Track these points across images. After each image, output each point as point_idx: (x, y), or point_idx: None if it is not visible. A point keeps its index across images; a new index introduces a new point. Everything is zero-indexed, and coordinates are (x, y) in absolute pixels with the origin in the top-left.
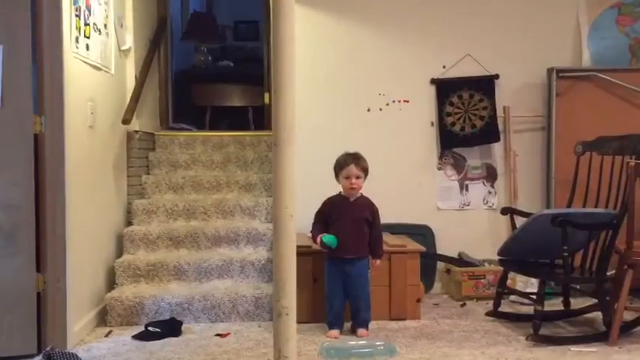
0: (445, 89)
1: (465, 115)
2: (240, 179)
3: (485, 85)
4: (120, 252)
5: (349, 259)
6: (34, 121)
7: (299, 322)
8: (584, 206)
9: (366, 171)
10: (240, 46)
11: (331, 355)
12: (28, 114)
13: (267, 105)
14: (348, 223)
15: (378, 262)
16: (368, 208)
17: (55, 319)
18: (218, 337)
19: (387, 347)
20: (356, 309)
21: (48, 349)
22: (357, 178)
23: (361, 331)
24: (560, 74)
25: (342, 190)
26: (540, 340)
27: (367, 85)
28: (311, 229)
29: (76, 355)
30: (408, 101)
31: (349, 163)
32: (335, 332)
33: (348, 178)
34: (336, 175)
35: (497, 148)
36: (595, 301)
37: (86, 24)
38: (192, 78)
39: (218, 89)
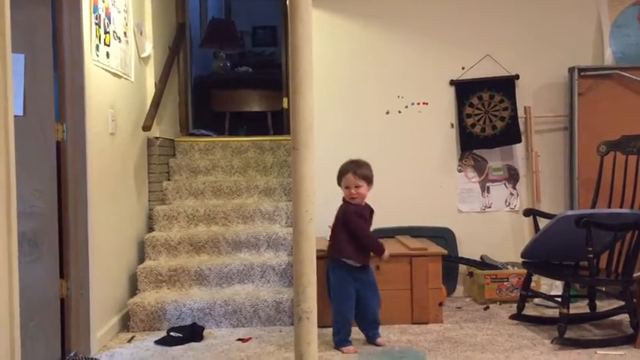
0: (465, 90)
1: (486, 116)
2: (260, 184)
3: (505, 85)
4: (142, 258)
5: (359, 267)
6: (55, 129)
7: (319, 326)
8: (609, 207)
9: (367, 178)
10: (259, 52)
11: None
12: (49, 122)
13: (285, 110)
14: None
15: (386, 255)
16: (370, 215)
17: (79, 325)
18: (240, 341)
19: (417, 353)
20: (373, 317)
21: (72, 354)
22: (357, 187)
23: (381, 339)
24: (582, 73)
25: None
26: (566, 343)
27: (386, 87)
28: (366, 232)
29: None
30: (427, 103)
31: (347, 172)
32: (353, 347)
33: (347, 187)
34: (339, 184)
35: (519, 149)
36: (621, 303)
37: (106, 32)
38: (212, 84)
39: (237, 95)
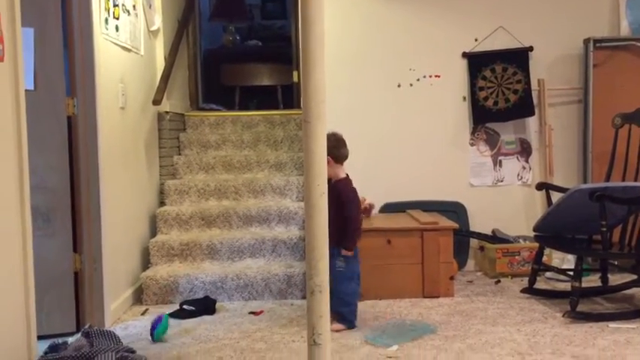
0: (477, 63)
1: (499, 89)
2: (271, 158)
3: (519, 57)
4: (154, 232)
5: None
6: (66, 104)
7: None
8: (623, 180)
9: (333, 154)
10: (268, 25)
11: (377, 341)
12: (60, 97)
13: (296, 83)
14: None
15: (344, 252)
16: (341, 192)
17: (93, 298)
18: (252, 314)
19: (428, 326)
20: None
21: (86, 327)
22: None
23: (333, 324)
24: (598, 44)
25: None
26: (578, 316)
27: (397, 60)
28: (356, 212)
29: (114, 333)
30: (439, 76)
31: None
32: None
33: None
34: None
35: (532, 122)
36: (634, 277)
37: (115, 5)
38: (221, 58)
39: (247, 69)
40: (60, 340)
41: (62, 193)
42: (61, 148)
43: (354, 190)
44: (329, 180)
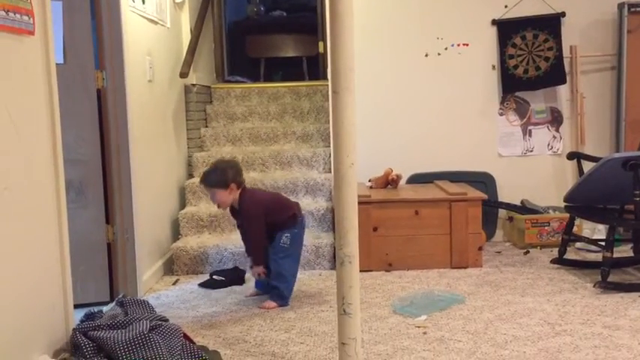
0: (507, 30)
1: (529, 56)
2: (297, 130)
3: (550, 24)
4: (183, 204)
5: None
6: (96, 77)
7: (359, 270)
8: None
9: (220, 184)
10: None
11: (405, 311)
12: (90, 69)
13: (321, 54)
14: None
15: (253, 271)
16: (244, 215)
17: (126, 268)
18: None
19: (456, 296)
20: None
21: (120, 296)
22: (215, 195)
23: (266, 302)
24: (632, 9)
25: None
26: (608, 287)
27: (424, 29)
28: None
29: (147, 302)
30: (467, 45)
31: (200, 184)
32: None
33: (211, 199)
34: None
35: (564, 90)
36: None
37: None
38: (246, 29)
39: (272, 40)
40: (95, 309)
41: (94, 165)
42: (92, 121)
43: (256, 204)
44: (235, 207)
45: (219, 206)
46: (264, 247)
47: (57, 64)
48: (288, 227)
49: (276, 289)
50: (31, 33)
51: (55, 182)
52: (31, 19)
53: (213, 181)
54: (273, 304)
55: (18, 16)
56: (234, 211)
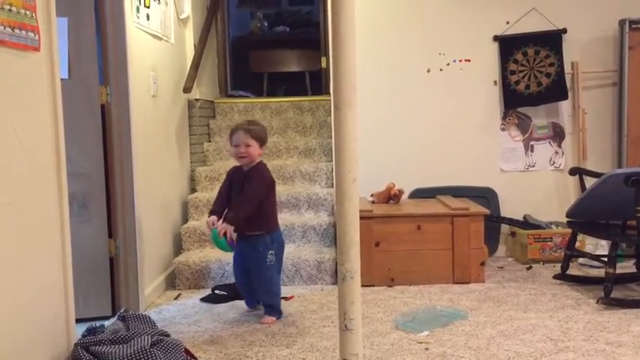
0: (509, 46)
1: (531, 72)
2: (300, 145)
3: (552, 40)
4: (185, 218)
5: (246, 236)
6: (100, 92)
7: (361, 285)
8: None
9: (259, 139)
10: (295, 11)
11: (407, 327)
12: (94, 85)
13: (324, 69)
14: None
15: (221, 224)
16: (255, 176)
17: (128, 283)
18: (283, 299)
19: (459, 312)
20: (256, 293)
21: (122, 311)
22: (247, 146)
23: (263, 319)
24: (633, 25)
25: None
26: (612, 303)
27: (426, 44)
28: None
29: (149, 317)
30: (469, 60)
31: (237, 130)
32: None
33: (236, 146)
34: (231, 144)
35: (565, 106)
36: None
37: None
38: (249, 45)
39: (275, 55)
40: (97, 324)
41: (97, 179)
42: (96, 136)
43: (271, 177)
44: (242, 168)
45: (240, 157)
46: (247, 218)
47: (62, 79)
48: (266, 229)
49: (269, 306)
50: (37, 49)
51: (59, 196)
52: (37, 35)
53: (254, 132)
54: (272, 318)
55: (24, 32)
56: (236, 172)
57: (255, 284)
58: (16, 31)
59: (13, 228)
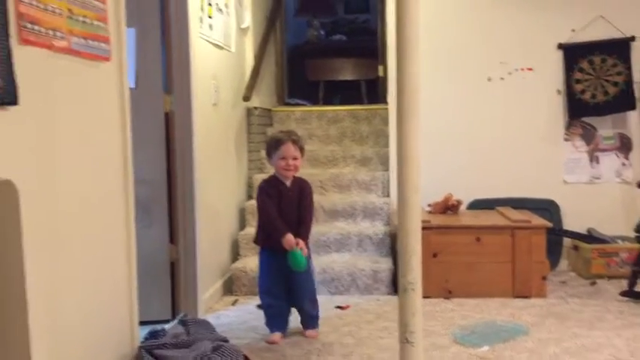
0: (574, 54)
1: (597, 81)
2: (356, 153)
3: (619, 48)
4: (242, 224)
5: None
6: (164, 101)
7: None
8: None
9: (303, 151)
10: (352, 19)
11: (467, 341)
12: (159, 93)
13: (381, 78)
14: (287, 211)
15: (301, 242)
16: (302, 190)
17: (187, 288)
18: (338, 309)
19: (520, 327)
20: (299, 307)
21: (182, 315)
22: (294, 159)
23: (309, 332)
24: None
25: (275, 172)
26: None
27: (487, 53)
28: (265, 217)
29: (209, 322)
30: (531, 69)
31: (285, 142)
32: (275, 336)
33: (284, 158)
34: (269, 156)
35: (633, 116)
36: None
37: (209, 4)
38: (306, 53)
39: (331, 63)
40: (159, 327)
41: (160, 186)
42: (159, 144)
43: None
44: (282, 182)
45: (288, 170)
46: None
47: (129, 88)
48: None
49: (314, 317)
50: (107, 59)
51: (125, 202)
52: (108, 45)
53: (301, 144)
54: (316, 332)
55: (96, 43)
56: (273, 186)
57: (300, 292)
58: (89, 41)
59: (83, 234)
